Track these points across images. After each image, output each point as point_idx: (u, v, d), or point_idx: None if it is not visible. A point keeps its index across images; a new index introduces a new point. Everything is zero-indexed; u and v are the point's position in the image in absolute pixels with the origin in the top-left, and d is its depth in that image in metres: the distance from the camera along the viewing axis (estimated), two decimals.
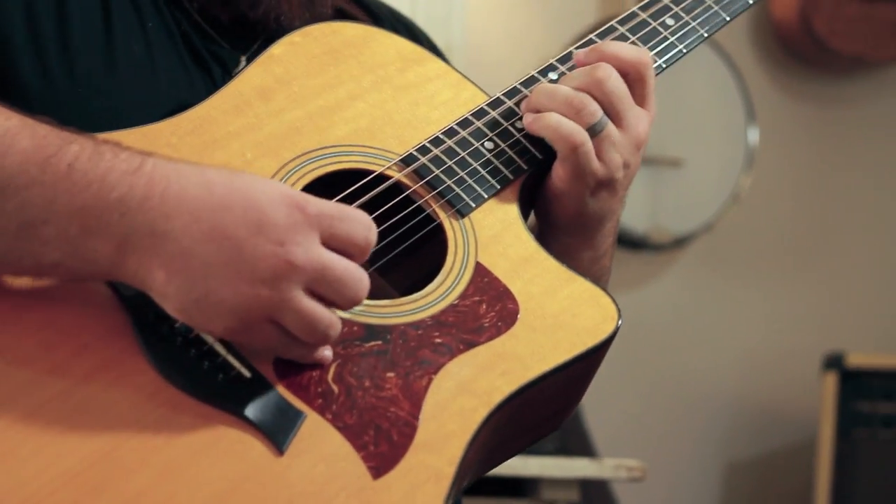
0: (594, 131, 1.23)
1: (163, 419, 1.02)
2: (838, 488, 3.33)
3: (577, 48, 1.30)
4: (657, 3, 1.36)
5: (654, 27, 1.34)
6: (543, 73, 1.29)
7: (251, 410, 1.03)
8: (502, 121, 1.26)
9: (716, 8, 1.37)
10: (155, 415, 1.02)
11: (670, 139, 3.61)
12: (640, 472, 2.55)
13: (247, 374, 1.05)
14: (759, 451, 3.81)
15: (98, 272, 1.04)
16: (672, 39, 1.34)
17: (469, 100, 1.28)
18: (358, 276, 1.05)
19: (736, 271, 3.81)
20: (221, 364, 1.05)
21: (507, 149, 1.25)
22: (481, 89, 1.29)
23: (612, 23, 1.34)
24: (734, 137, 3.70)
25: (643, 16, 1.35)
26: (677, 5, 1.36)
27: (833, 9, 3.68)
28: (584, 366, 1.16)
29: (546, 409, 1.20)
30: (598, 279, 1.32)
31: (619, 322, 1.16)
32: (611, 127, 1.25)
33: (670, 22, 1.35)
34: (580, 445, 2.95)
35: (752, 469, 3.81)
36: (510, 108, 1.27)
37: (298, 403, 1.05)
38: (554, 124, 1.23)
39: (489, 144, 1.24)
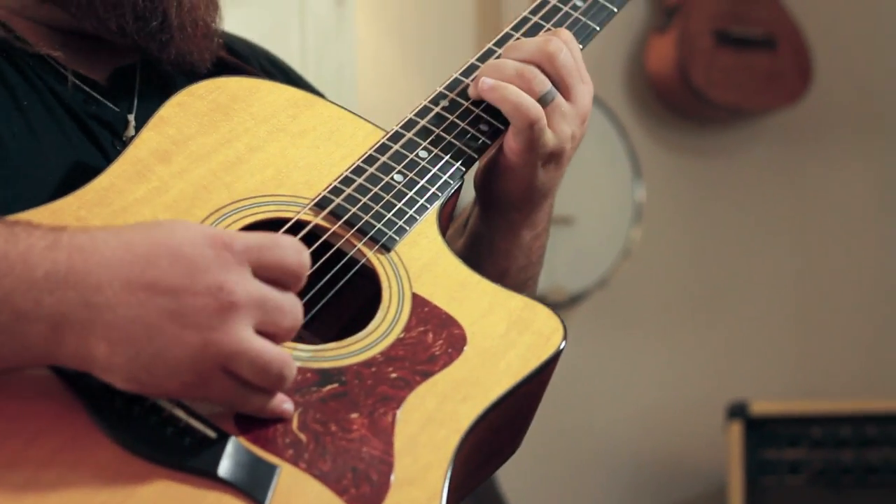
0: (544, 101, 1.28)
1: (137, 492, 0.98)
2: None
3: (478, 60, 1.35)
4: None
5: (566, 11, 1.40)
6: (435, 101, 1.32)
7: (225, 470, 1.01)
8: (406, 152, 1.27)
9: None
10: (128, 488, 0.98)
11: (561, 197, 3.59)
12: None
13: (212, 434, 1.02)
14: (667, 503, 3.81)
15: (35, 357, 1.00)
16: (584, 20, 1.40)
17: (367, 137, 1.29)
18: (292, 301, 1.03)
19: (633, 325, 3.82)
20: (185, 428, 1.02)
21: (416, 178, 1.26)
22: (376, 125, 1.31)
23: (525, 13, 1.39)
24: (622, 193, 3.72)
25: (553, 2, 1.40)
26: None
27: (709, 59, 3.73)
28: (538, 381, 1.18)
29: (507, 431, 1.20)
30: (539, 259, 1.39)
31: (565, 332, 1.18)
32: (560, 98, 1.29)
33: (579, 3, 1.41)
34: None
35: None
36: (411, 139, 1.28)
37: (269, 457, 1.03)
38: (513, 98, 1.27)
39: (398, 177, 1.25)
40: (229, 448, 1.02)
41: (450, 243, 1.29)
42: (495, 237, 1.37)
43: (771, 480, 3.36)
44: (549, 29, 1.37)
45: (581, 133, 1.32)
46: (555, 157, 1.31)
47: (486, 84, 1.29)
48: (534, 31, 1.37)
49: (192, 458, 1.01)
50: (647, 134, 3.85)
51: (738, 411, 3.39)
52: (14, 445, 0.99)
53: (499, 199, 1.34)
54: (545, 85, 1.28)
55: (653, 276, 3.84)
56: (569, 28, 1.37)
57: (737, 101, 3.80)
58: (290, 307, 1.03)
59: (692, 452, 3.79)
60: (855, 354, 3.97)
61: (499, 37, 1.37)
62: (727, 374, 3.84)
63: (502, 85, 1.28)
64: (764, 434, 3.38)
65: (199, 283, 0.99)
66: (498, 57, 1.33)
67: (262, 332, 1.01)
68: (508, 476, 3.18)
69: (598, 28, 1.40)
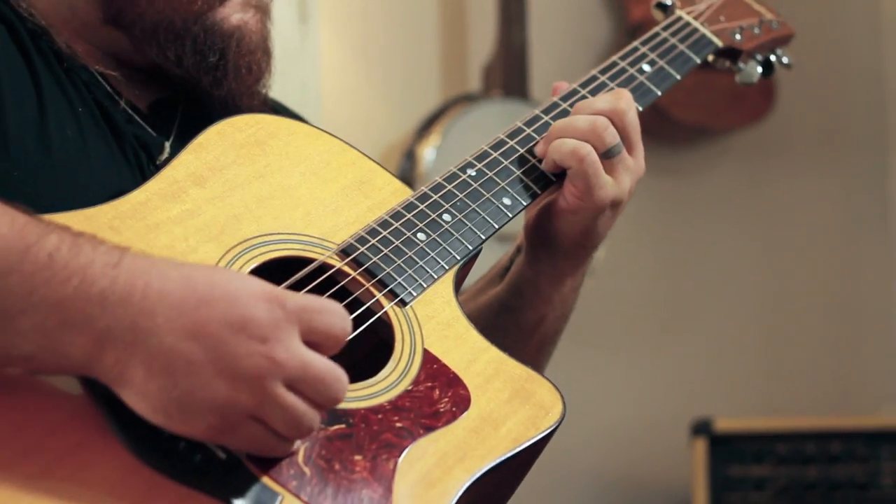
0: (612, 153, 1.35)
1: (141, 500, 1.00)
2: None
3: (531, 118, 1.41)
4: (634, 52, 1.51)
5: (632, 73, 1.49)
6: (463, 170, 1.37)
7: (230, 492, 1.03)
8: (431, 213, 1.31)
9: (683, 50, 1.54)
10: (133, 495, 1.00)
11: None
12: None
13: (222, 455, 1.05)
14: None
15: (71, 367, 1.01)
16: (648, 84, 1.48)
17: (395, 193, 1.33)
18: (337, 376, 1.05)
19: (597, 343, 3.82)
20: (197, 445, 1.04)
21: (438, 239, 1.29)
22: (405, 184, 1.36)
23: (594, 72, 1.49)
24: None
25: (622, 64, 1.49)
26: (653, 52, 1.52)
27: None
28: (533, 451, 1.21)
29: (496, 493, 1.24)
30: (569, 315, 1.47)
31: (564, 409, 1.23)
32: (625, 152, 1.37)
33: (646, 68, 1.49)
34: None
35: None
36: (436, 201, 1.32)
37: (273, 485, 1.05)
38: (563, 148, 1.34)
39: (422, 235, 1.29)
40: (237, 470, 1.05)
41: (478, 294, 1.37)
42: (541, 281, 1.43)
43: (735, 497, 3.36)
44: (612, 88, 1.45)
45: (634, 188, 1.40)
46: (614, 207, 1.37)
47: (543, 148, 1.36)
48: (598, 90, 1.45)
49: (200, 476, 1.03)
50: None
51: (702, 428, 3.39)
52: (32, 437, 1.01)
53: (551, 242, 1.40)
54: (615, 138, 1.35)
55: (617, 294, 3.84)
56: (633, 90, 1.45)
57: (700, 119, 3.81)
58: (333, 377, 1.05)
59: (657, 469, 3.78)
60: (820, 371, 3.98)
61: (547, 105, 1.44)
62: (691, 391, 3.84)
63: (553, 143, 1.35)
64: (728, 451, 3.38)
65: (246, 334, 1.01)
66: (553, 115, 1.41)
67: (299, 395, 1.03)
68: None
69: (659, 93, 1.49)
